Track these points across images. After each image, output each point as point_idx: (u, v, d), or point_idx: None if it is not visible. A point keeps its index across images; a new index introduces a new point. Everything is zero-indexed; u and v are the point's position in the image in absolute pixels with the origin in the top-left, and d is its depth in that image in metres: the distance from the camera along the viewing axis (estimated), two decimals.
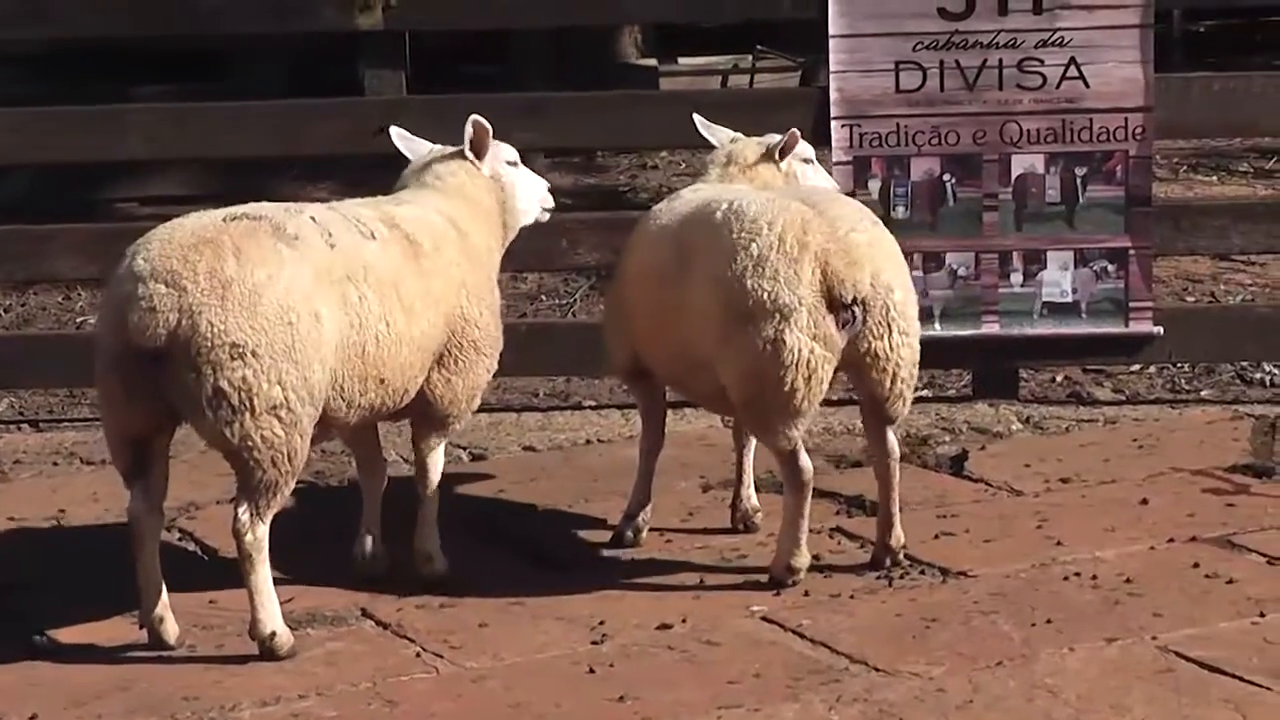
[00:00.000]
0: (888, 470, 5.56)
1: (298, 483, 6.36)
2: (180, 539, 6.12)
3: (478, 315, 5.48)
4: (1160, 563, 5.58)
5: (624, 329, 5.81)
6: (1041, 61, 7.17)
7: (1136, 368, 7.83)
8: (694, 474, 6.55)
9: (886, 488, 5.57)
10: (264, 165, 10.97)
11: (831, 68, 7.24)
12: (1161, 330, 7.33)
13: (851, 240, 5.30)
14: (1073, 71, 7.16)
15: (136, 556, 5.05)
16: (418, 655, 5.07)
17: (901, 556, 5.60)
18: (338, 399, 5.07)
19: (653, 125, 7.63)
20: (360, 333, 5.09)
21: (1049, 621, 5.12)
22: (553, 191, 6.00)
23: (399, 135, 5.89)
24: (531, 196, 5.85)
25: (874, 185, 7.26)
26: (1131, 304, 7.30)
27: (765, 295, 5.23)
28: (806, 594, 5.40)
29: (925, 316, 7.16)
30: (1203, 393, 7.66)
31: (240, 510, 4.92)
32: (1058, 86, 7.18)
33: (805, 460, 5.38)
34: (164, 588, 5.09)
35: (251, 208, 5.08)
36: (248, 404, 4.82)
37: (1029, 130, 7.22)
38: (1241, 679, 4.70)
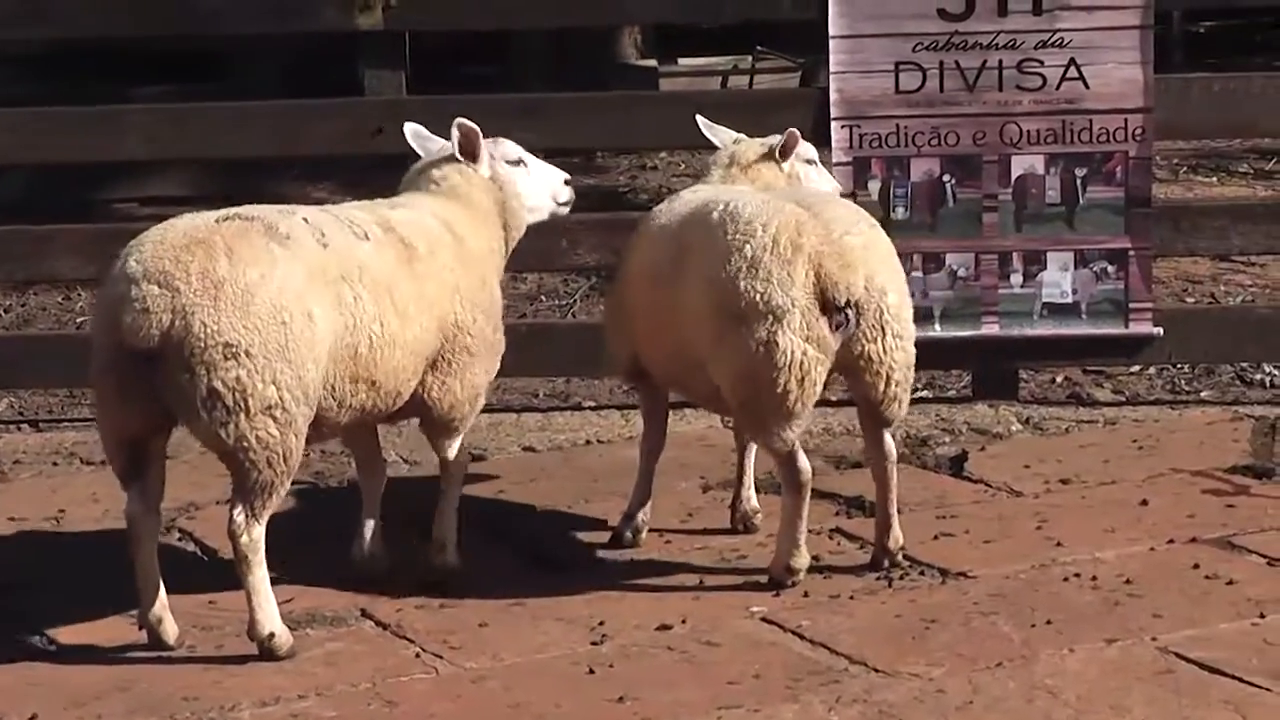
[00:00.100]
0: (885, 472, 5.56)
1: (297, 483, 6.38)
2: (180, 539, 6.13)
3: (470, 321, 5.45)
4: (1160, 564, 5.58)
5: (624, 330, 5.81)
6: (1041, 62, 7.17)
7: (1136, 369, 7.83)
8: (694, 475, 6.55)
9: (884, 489, 5.57)
10: (263, 165, 10.96)
11: (831, 68, 7.24)
12: (1161, 331, 7.33)
13: (846, 243, 5.30)
14: (1072, 72, 7.16)
15: (134, 557, 5.05)
16: (417, 656, 5.07)
17: (900, 558, 5.60)
18: (328, 399, 5.06)
19: (652, 126, 7.62)
20: (354, 334, 5.08)
21: (1049, 622, 5.11)
22: (571, 183, 5.94)
23: (414, 133, 5.84)
24: (540, 193, 5.81)
25: (874, 186, 7.26)
26: (1131, 305, 7.30)
27: (758, 297, 5.23)
28: (806, 595, 5.40)
29: (925, 317, 7.19)
30: (1202, 394, 7.66)
31: (235, 512, 4.91)
32: (1057, 87, 7.18)
33: (803, 461, 5.38)
34: (163, 588, 5.09)
35: (245, 209, 5.08)
36: (242, 404, 4.82)
37: (1029, 131, 7.22)
38: (1241, 680, 4.70)
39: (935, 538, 5.87)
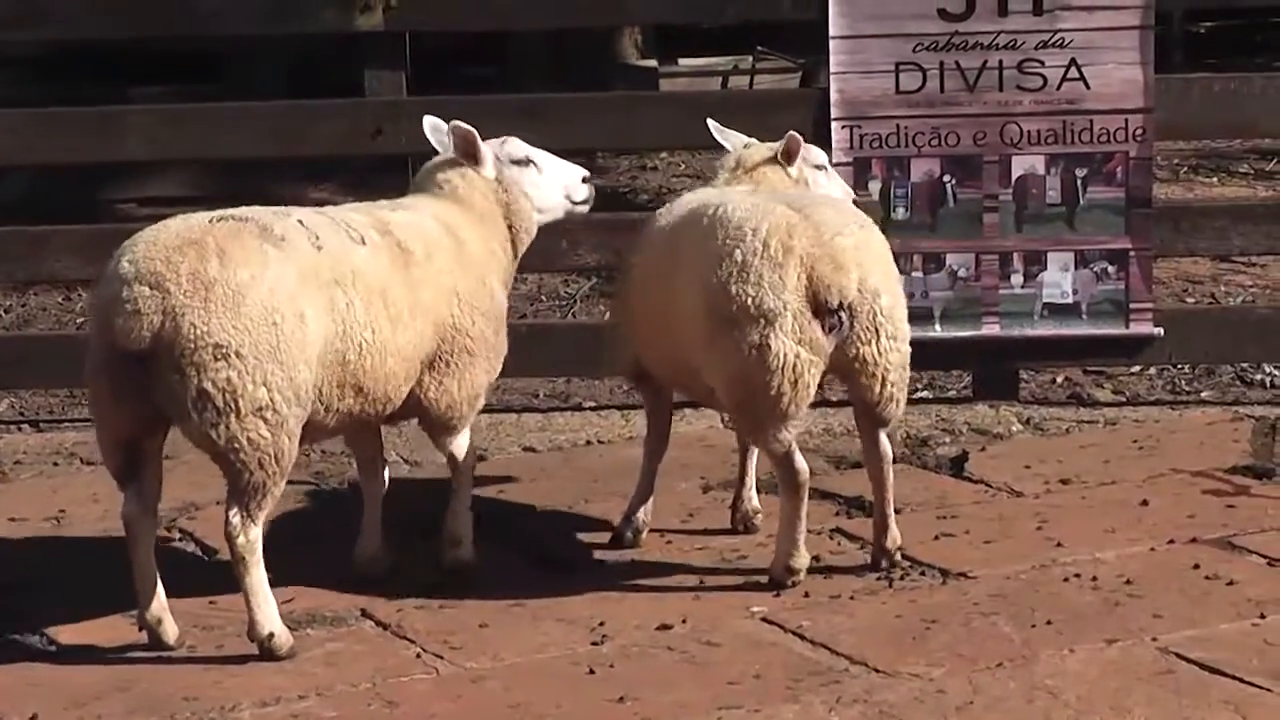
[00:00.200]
0: (881, 473, 5.55)
1: (298, 483, 6.39)
2: (180, 539, 6.13)
3: (469, 323, 5.43)
4: (1160, 564, 5.58)
5: (627, 331, 5.81)
6: (1042, 63, 7.17)
7: (1137, 369, 7.83)
8: (694, 475, 6.55)
9: (881, 490, 5.57)
10: (264, 166, 10.96)
11: (832, 69, 7.24)
12: (1162, 331, 7.33)
13: (837, 244, 5.28)
14: (1073, 73, 7.16)
15: (132, 558, 5.05)
16: (418, 656, 5.06)
17: (898, 557, 5.60)
18: (316, 403, 5.03)
19: (653, 126, 7.63)
20: (344, 340, 5.06)
21: (1049, 623, 5.11)
22: (591, 180, 5.88)
23: (432, 127, 5.78)
24: (551, 193, 5.75)
25: (874, 186, 7.26)
26: (1132, 305, 7.30)
27: (749, 300, 5.23)
28: (806, 595, 5.39)
29: (925, 317, 7.20)
30: (1203, 394, 7.66)
31: (231, 513, 4.91)
32: (1058, 88, 7.18)
33: (800, 462, 5.38)
34: (161, 588, 5.09)
35: (240, 210, 5.07)
36: (232, 405, 4.81)
37: (1029, 131, 7.22)
38: (1242, 680, 4.70)
39: (936, 538, 5.87)
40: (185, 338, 4.77)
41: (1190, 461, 6.59)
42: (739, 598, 5.40)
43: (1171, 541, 5.76)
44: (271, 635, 4.97)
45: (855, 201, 6.15)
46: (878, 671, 4.83)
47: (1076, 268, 7.29)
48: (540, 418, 7.52)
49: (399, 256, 5.27)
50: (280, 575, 5.19)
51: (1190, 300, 8.92)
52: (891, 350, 5.34)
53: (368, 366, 5.12)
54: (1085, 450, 6.82)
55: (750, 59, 14.26)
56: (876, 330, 5.31)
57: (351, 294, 5.08)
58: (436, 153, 5.78)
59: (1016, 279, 7.32)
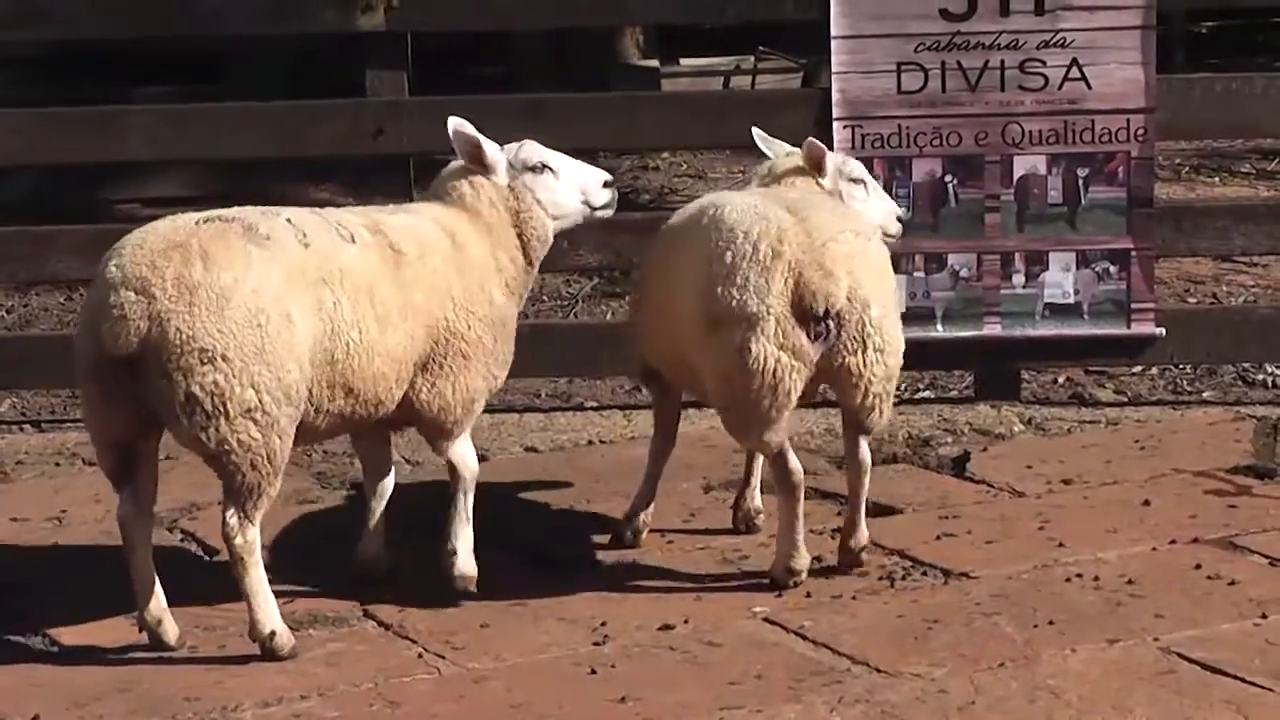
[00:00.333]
0: (858, 480, 5.49)
1: (300, 485, 6.38)
2: (182, 540, 6.13)
3: (464, 328, 5.39)
4: (1162, 564, 5.58)
5: (638, 329, 5.82)
6: (1043, 63, 7.17)
7: (1138, 369, 7.83)
8: (696, 475, 6.55)
9: (854, 496, 5.52)
10: (266, 166, 10.96)
11: (833, 69, 7.24)
12: (1163, 331, 7.33)
13: (828, 251, 5.24)
14: (1074, 72, 7.16)
15: (129, 561, 5.05)
16: (419, 656, 5.07)
17: (864, 558, 5.55)
18: (306, 404, 5.01)
19: (654, 126, 7.63)
20: (332, 339, 5.04)
21: (1051, 623, 5.11)
22: (612, 184, 5.76)
23: (455, 127, 5.75)
24: (567, 199, 5.64)
25: None
26: (1133, 305, 7.30)
27: (734, 302, 5.22)
28: (808, 595, 5.39)
29: (927, 317, 7.21)
30: (1204, 394, 7.66)
31: (228, 514, 4.91)
32: (1059, 88, 7.18)
33: (793, 462, 5.37)
34: (159, 589, 5.08)
35: (228, 210, 5.06)
36: (221, 408, 4.81)
37: (1031, 131, 7.22)
38: (1243, 680, 4.70)
39: (937, 538, 5.87)
40: (171, 342, 4.77)
41: (1192, 461, 6.59)
42: (741, 598, 5.40)
43: (1173, 541, 5.76)
44: (273, 634, 4.97)
45: (900, 219, 6.04)
46: (880, 671, 4.83)
47: (1078, 268, 7.29)
48: (542, 418, 7.52)
49: (389, 256, 5.24)
50: (282, 575, 5.19)
51: (1192, 300, 8.92)
52: (878, 362, 5.30)
53: (356, 366, 5.09)
54: (1087, 450, 6.82)
55: (752, 59, 14.25)
56: (864, 341, 5.27)
57: (339, 293, 5.06)
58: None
59: (1018, 279, 7.31)
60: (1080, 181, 7.24)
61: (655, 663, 4.96)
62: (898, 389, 7.54)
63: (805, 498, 5.51)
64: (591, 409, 7.67)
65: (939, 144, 7.22)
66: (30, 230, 7.76)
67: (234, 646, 5.10)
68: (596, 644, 5.09)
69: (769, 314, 5.20)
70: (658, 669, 4.91)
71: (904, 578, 5.53)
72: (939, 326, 7.30)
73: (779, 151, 6.02)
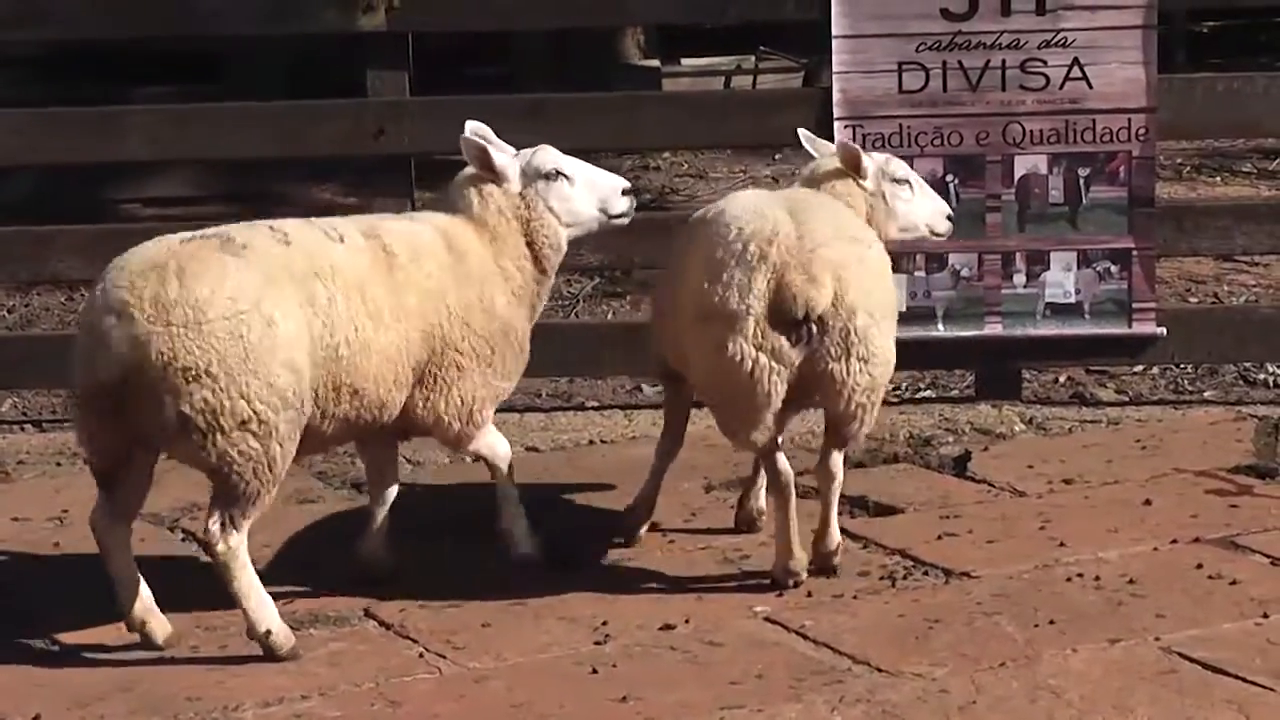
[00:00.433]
0: (826, 490, 5.44)
1: (302, 484, 6.38)
2: (183, 539, 6.12)
3: (458, 338, 5.35)
4: (1163, 564, 5.58)
5: (655, 327, 5.82)
6: (1044, 62, 7.17)
7: (1139, 368, 7.83)
8: (697, 475, 6.55)
9: (824, 505, 5.47)
10: (267, 166, 10.96)
11: (834, 68, 7.23)
12: (1164, 331, 7.33)
13: (816, 255, 5.22)
14: (1076, 72, 7.16)
15: (106, 564, 5.06)
16: (420, 656, 5.06)
17: (836, 561, 5.50)
18: (313, 407, 4.99)
19: (655, 126, 7.63)
20: (332, 334, 5.02)
21: (1052, 622, 5.11)
22: (632, 191, 5.70)
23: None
24: (582, 206, 5.57)
25: None
26: (1134, 305, 7.29)
27: (718, 299, 5.23)
28: (809, 594, 5.39)
29: (928, 317, 7.21)
30: (1206, 393, 7.65)
31: (211, 521, 4.90)
32: (1061, 87, 7.17)
33: (782, 463, 5.36)
34: (144, 590, 5.07)
35: (208, 229, 5.04)
36: (215, 424, 4.80)
37: (1032, 131, 7.22)
38: (1245, 680, 4.70)
39: (939, 538, 5.86)
40: (154, 365, 4.77)
41: (1193, 461, 6.58)
42: (742, 597, 5.40)
43: (1174, 541, 5.76)
44: (269, 633, 4.96)
45: (949, 218, 5.97)
46: (880, 671, 4.83)
47: (1079, 267, 7.29)
48: (543, 417, 7.52)
49: (381, 258, 5.22)
50: (283, 575, 5.19)
51: (1193, 300, 8.92)
52: (860, 372, 5.27)
53: (358, 364, 5.08)
54: (1088, 450, 6.82)
55: (753, 59, 14.25)
56: (847, 349, 5.24)
57: (332, 289, 5.04)
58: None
59: (1019, 278, 7.31)
60: (1081, 181, 7.24)
61: (656, 662, 4.96)
62: (899, 389, 7.65)
63: (805, 497, 5.51)
64: (592, 409, 7.67)
65: (940, 144, 7.22)
66: (31, 230, 7.76)
67: (235, 646, 5.10)
68: (598, 643, 5.09)
69: (748, 313, 5.20)
70: (659, 668, 4.91)
71: (905, 577, 5.53)
72: (940, 326, 7.30)
73: (823, 151, 5.94)
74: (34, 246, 7.59)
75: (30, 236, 7.68)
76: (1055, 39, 7.15)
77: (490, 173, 5.51)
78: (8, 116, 7.59)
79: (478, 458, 5.54)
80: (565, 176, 5.57)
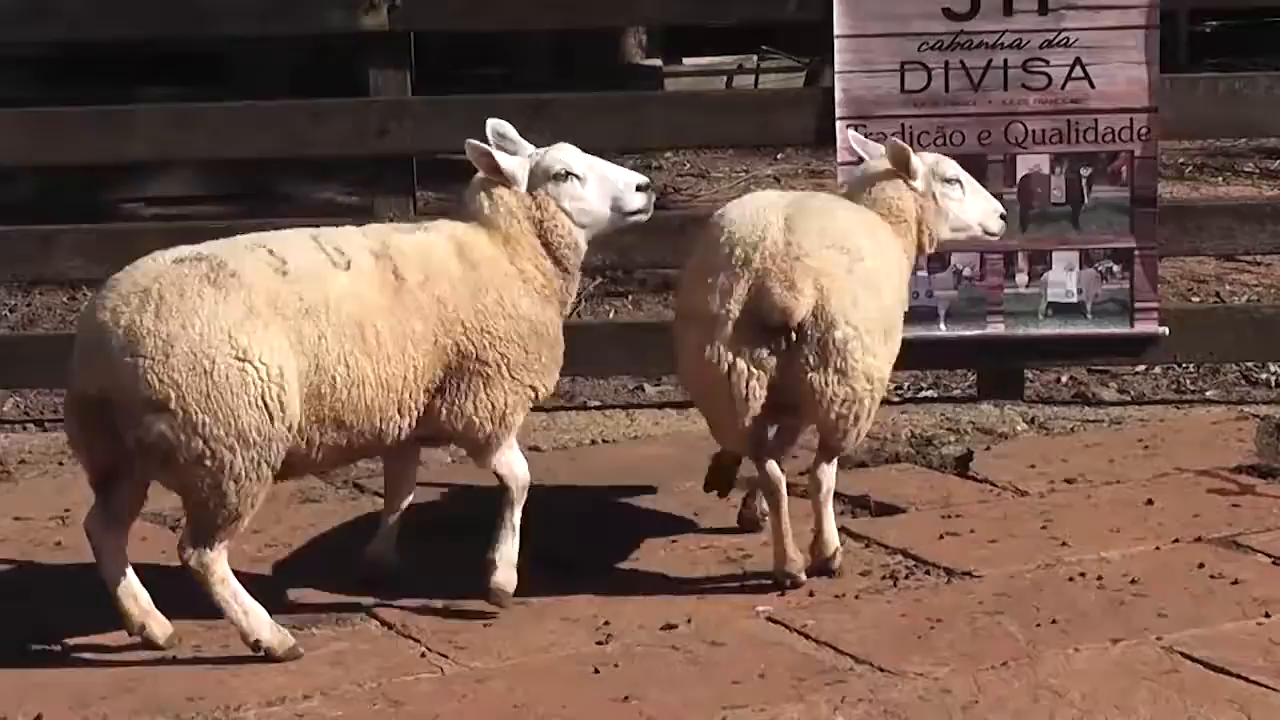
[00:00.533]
0: (814, 498, 5.44)
1: (305, 483, 6.38)
2: None
3: (480, 349, 5.22)
4: (1165, 563, 5.58)
5: (675, 325, 5.82)
6: (1047, 62, 7.17)
7: (1141, 368, 7.83)
8: (698, 475, 6.53)
9: (815, 512, 5.46)
10: (271, 165, 10.96)
11: (836, 68, 7.23)
12: (1166, 330, 7.33)
13: (799, 264, 5.20)
14: (1078, 72, 7.16)
15: (99, 566, 5.05)
16: (422, 655, 5.06)
17: (834, 565, 5.49)
18: (295, 438, 4.94)
19: (658, 126, 7.63)
20: (317, 374, 4.94)
21: (1054, 622, 5.11)
22: (647, 187, 5.51)
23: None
24: (595, 206, 5.43)
25: None
26: (1136, 304, 7.29)
27: (698, 300, 5.25)
28: (811, 594, 5.39)
29: (930, 317, 7.20)
30: (1208, 393, 7.65)
31: (184, 536, 4.92)
32: (1063, 87, 7.17)
33: (771, 468, 5.36)
34: (140, 591, 5.06)
35: (214, 246, 5.00)
36: (171, 457, 4.79)
37: (1034, 131, 7.21)
38: (1247, 679, 4.70)
39: (941, 537, 5.87)
40: (121, 391, 4.78)
41: (1195, 461, 6.58)
42: (744, 597, 5.40)
43: (1176, 541, 5.76)
44: (258, 642, 4.96)
45: (1002, 217, 5.92)
46: (883, 671, 4.83)
47: (1081, 267, 7.29)
48: (545, 417, 7.50)
49: (389, 283, 5.10)
50: (286, 575, 5.18)
51: (1195, 299, 8.92)
52: (839, 384, 5.24)
53: (345, 399, 5.00)
54: (1090, 449, 6.82)
55: (755, 58, 14.25)
56: (825, 360, 5.22)
57: (324, 326, 4.95)
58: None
59: (1021, 278, 7.31)
60: (1083, 181, 7.24)
61: (658, 662, 4.96)
62: (900, 388, 7.65)
63: (805, 497, 5.51)
64: (594, 408, 7.67)
65: (942, 143, 7.21)
66: (34, 230, 7.76)
67: (237, 646, 5.09)
68: (600, 643, 5.09)
69: (727, 317, 5.21)
70: (661, 668, 4.91)
71: (907, 577, 5.53)
72: (942, 326, 7.30)
73: (873, 153, 5.85)
74: (37, 246, 7.59)
75: (33, 236, 7.67)
76: (1057, 39, 7.15)
77: (497, 176, 5.41)
78: (11, 116, 7.59)
79: (497, 476, 5.43)
80: (575, 176, 5.42)
